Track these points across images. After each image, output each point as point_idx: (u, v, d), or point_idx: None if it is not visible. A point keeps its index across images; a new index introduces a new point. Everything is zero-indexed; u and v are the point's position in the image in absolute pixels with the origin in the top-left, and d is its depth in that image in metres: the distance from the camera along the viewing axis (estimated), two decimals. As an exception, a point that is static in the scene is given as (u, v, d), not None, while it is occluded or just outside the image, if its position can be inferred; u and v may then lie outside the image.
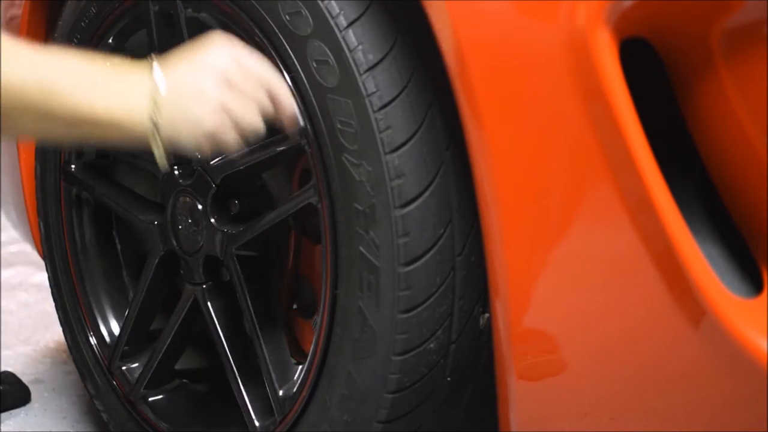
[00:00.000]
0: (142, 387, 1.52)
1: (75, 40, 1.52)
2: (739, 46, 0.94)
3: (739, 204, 0.99)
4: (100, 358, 1.59)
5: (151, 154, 1.10)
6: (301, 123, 1.15)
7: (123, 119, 1.05)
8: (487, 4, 0.99)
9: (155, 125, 1.06)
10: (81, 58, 1.07)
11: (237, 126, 1.11)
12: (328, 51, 1.11)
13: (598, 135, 0.95)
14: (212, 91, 1.08)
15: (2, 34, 1.02)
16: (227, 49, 1.13)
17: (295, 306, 1.47)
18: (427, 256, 1.11)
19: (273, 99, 1.13)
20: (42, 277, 1.96)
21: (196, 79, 1.09)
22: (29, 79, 1.01)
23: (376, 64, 1.10)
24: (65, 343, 1.68)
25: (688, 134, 1.01)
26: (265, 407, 1.34)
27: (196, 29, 1.33)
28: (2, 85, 1.00)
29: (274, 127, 1.16)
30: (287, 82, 1.15)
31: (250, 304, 1.34)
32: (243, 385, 1.37)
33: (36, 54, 1.04)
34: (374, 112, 1.09)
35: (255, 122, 1.12)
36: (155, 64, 1.08)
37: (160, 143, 1.07)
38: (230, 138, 1.11)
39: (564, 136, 0.97)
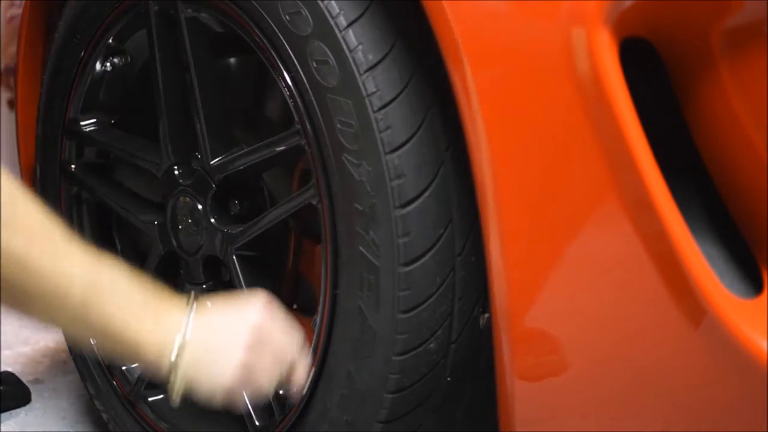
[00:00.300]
0: (142, 387, 1.52)
1: (75, 40, 1.52)
2: (739, 46, 0.94)
3: (739, 204, 0.99)
4: (100, 358, 1.59)
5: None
6: (301, 394, 1.21)
7: (148, 350, 1.06)
8: (487, 3, 0.99)
9: (176, 366, 1.07)
10: (128, 275, 1.08)
11: (251, 388, 1.12)
12: (328, 51, 1.11)
13: (598, 135, 0.95)
14: (239, 351, 1.09)
15: (61, 228, 1.02)
16: (265, 312, 1.13)
17: (295, 306, 1.47)
18: (427, 256, 1.11)
19: (290, 370, 1.15)
20: (42, 277, 1.95)
21: (228, 336, 1.10)
22: (78, 283, 1.01)
23: (376, 64, 1.09)
24: (65, 343, 1.68)
25: (688, 134, 1.01)
26: (265, 407, 1.34)
27: (197, 29, 1.33)
28: (50, 281, 1.00)
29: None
30: (305, 355, 1.17)
31: (250, 304, 1.34)
32: (243, 385, 1.37)
33: (87, 257, 1.04)
34: (374, 112, 1.09)
35: (267, 388, 1.13)
36: (192, 308, 1.10)
37: (176, 381, 1.08)
38: (241, 399, 1.13)
39: (564, 136, 0.97)
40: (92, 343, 1.08)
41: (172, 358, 1.07)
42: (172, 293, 1.10)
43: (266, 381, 1.12)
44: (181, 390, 1.09)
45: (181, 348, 1.07)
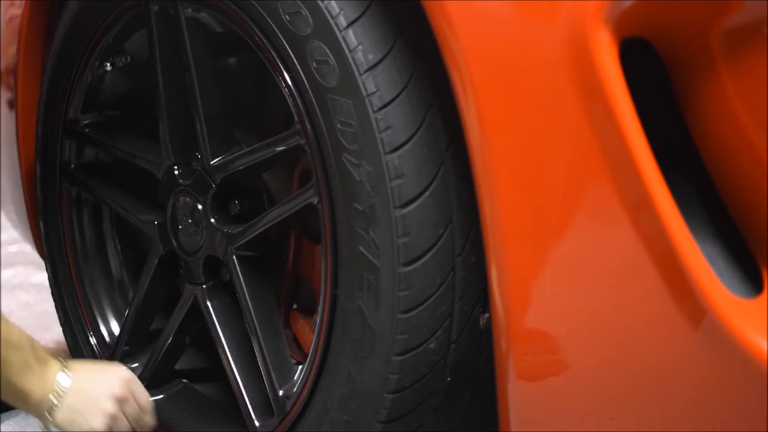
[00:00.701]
0: (142, 387, 1.52)
1: (75, 40, 1.52)
2: (739, 46, 0.94)
3: (739, 204, 0.99)
4: (100, 358, 1.59)
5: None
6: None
7: (32, 400, 1.32)
8: (487, 4, 0.99)
9: (51, 413, 1.32)
10: (21, 338, 1.32)
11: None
12: (328, 51, 1.11)
13: (598, 135, 0.95)
14: (110, 409, 1.35)
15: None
16: (125, 370, 1.42)
17: (295, 306, 1.47)
18: (427, 256, 1.11)
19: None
20: (42, 277, 1.95)
21: (98, 386, 1.36)
22: None
23: (376, 64, 1.09)
24: (65, 343, 1.68)
25: (688, 134, 1.01)
26: (265, 407, 1.34)
27: (197, 29, 1.33)
28: None
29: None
30: None
31: (250, 304, 1.34)
32: (243, 385, 1.37)
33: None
34: (374, 112, 1.09)
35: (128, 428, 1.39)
36: (63, 369, 1.35)
37: (50, 426, 1.33)
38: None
39: (564, 136, 0.97)
40: None
41: (48, 410, 1.32)
42: (47, 354, 1.34)
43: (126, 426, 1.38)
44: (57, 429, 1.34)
45: (57, 401, 1.32)
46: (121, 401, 1.37)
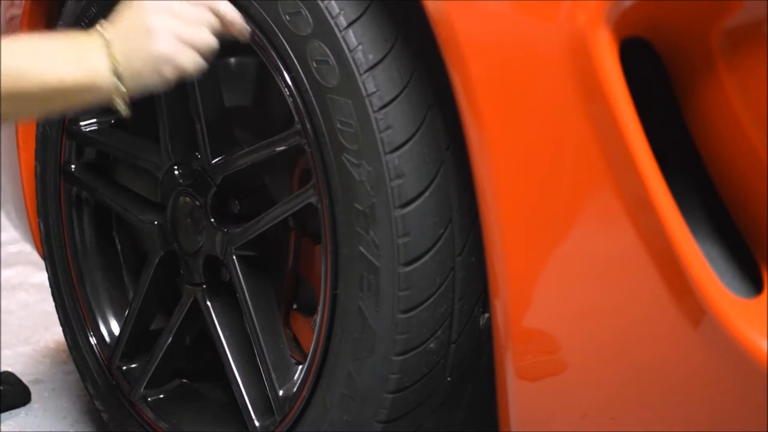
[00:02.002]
0: (142, 387, 1.52)
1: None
2: (739, 46, 0.94)
3: (739, 204, 0.99)
4: (100, 358, 1.59)
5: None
6: (248, 30, 1.20)
7: (89, 82, 1.13)
8: (487, 3, 0.99)
9: (118, 76, 1.14)
10: (37, 38, 1.17)
11: (191, 46, 1.17)
12: (328, 51, 1.11)
13: (598, 135, 0.95)
14: (157, 24, 1.15)
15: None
16: None
17: (295, 306, 1.47)
18: (427, 256, 1.11)
19: (219, 16, 1.19)
20: (42, 277, 1.96)
21: (141, 21, 1.15)
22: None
23: (376, 64, 1.10)
24: (65, 343, 1.68)
25: (688, 134, 1.01)
26: (265, 407, 1.34)
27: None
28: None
29: (224, 40, 1.20)
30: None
31: (250, 304, 1.34)
32: (243, 385, 1.37)
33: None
34: (374, 112, 1.09)
35: (206, 38, 1.18)
36: (102, 24, 1.16)
37: (125, 94, 1.14)
38: (187, 59, 1.17)
39: (564, 136, 0.97)
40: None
41: (112, 73, 1.13)
42: (81, 31, 1.18)
43: (198, 33, 1.17)
44: (132, 96, 1.15)
45: (114, 58, 1.13)
46: (170, 11, 1.16)
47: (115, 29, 1.15)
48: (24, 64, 1.10)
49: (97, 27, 1.16)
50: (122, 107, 1.15)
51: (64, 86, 1.11)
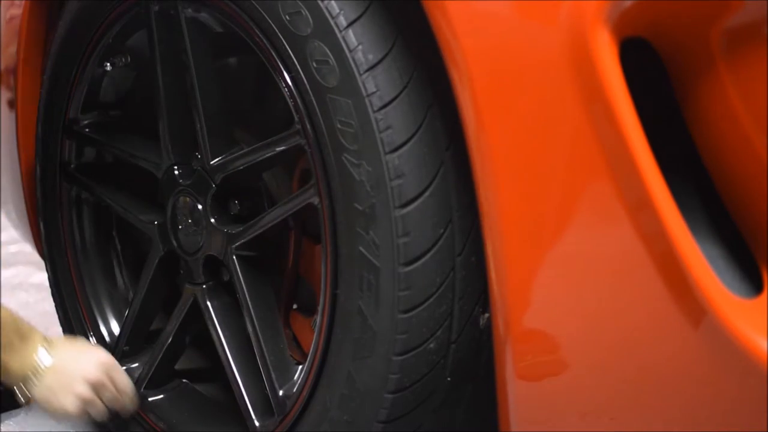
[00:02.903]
0: (142, 387, 1.52)
1: (75, 40, 1.52)
2: (739, 46, 0.94)
3: (739, 204, 0.99)
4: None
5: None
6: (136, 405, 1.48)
7: (12, 374, 1.38)
8: (487, 3, 0.99)
9: (30, 388, 1.39)
10: (5, 316, 1.37)
11: (93, 410, 1.42)
12: (328, 51, 1.11)
13: (598, 135, 0.95)
14: (80, 390, 1.39)
15: None
16: (105, 354, 1.46)
17: (295, 306, 1.47)
18: (427, 256, 1.11)
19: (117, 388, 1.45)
20: (42, 277, 1.95)
21: (71, 380, 1.39)
22: None
23: (376, 64, 1.09)
24: (65, 343, 1.67)
25: (688, 134, 1.01)
26: (265, 407, 1.34)
27: (197, 29, 1.33)
28: None
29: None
30: None
31: (250, 304, 1.34)
32: (243, 385, 1.37)
33: None
34: (374, 112, 1.09)
35: (103, 409, 1.43)
36: (45, 347, 1.40)
37: (28, 394, 1.39)
38: (84, 415, 1.42)
39: (564, 136, 0.97)
40: None
41: (28, 384, 1.38)
42: (32, 331, 1.39)
43: (101, 406, 1.42)
44: (34, 397, 1.39)
45: (36, 378, 1.37)
46: (96, 385, 1.40)
47: (53, 369, 1.38)
48: None
49: (41, 348, 1.38)
50: (21, 399, 1.40)
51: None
